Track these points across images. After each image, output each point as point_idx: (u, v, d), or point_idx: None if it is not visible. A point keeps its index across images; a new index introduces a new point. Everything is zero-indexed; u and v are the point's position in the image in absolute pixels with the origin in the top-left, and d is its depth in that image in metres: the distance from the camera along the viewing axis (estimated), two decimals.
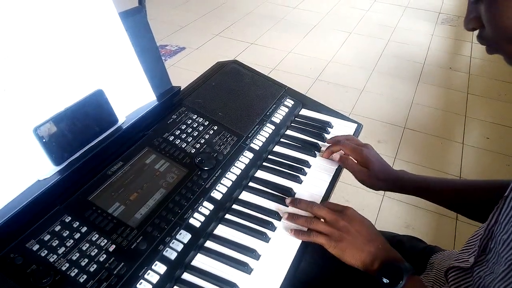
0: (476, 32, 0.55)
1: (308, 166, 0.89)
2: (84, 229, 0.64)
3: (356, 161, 0.89)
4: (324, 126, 1.01)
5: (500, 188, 0.76)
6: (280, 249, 0.72)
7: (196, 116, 0.91)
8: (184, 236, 0.69)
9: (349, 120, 1.05)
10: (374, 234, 0.72)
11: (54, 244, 0.61)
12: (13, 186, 0.66)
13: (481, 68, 3.10)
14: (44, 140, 0.70)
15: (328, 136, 0.99)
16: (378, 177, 0.85)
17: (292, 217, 0.76)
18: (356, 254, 0.69)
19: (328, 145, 0.93)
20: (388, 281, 0.65)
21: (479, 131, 2.44)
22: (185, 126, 0.88)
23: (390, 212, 1.85)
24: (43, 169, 0.70)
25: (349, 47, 3.30)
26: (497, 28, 0.51)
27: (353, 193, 1.88)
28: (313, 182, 0.86)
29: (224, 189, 0.78)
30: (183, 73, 2.77)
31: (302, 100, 1.09)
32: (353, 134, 1.01)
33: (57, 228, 0.63)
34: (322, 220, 0.75)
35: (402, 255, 0.85)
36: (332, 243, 0.70)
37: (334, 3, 4.10)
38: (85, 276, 0.59)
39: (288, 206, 0.79)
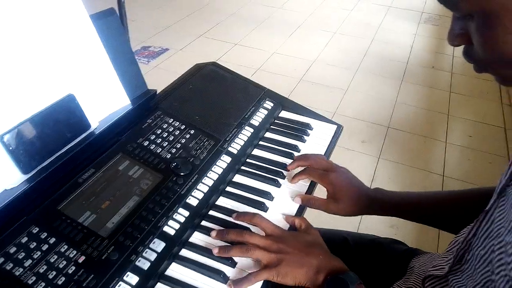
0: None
1: (287, 169, 0.88)
2: (52, 240, 0.62)
3: (318, 197, 0.82)
4: (303, 128, 1.00)
5: (479, 197, 0.75)
6: None
7: (172, 120, 0.89)
8: (158, 245, 0.67)
9: (329, 122, 1.04)
10: (313, 245, 0.68)
11: (20, 257, 0.59)
12: None
13: (464, 67, 3.13)
14: (10, 148, 0.67)
15: (307, 138, 0.98)
16: (349, 204, 0.80)
17: (224, 250, 0.67)
18: (298, 272, 0.64)
19: (295, 164, 0.87)
20: None
21: (462, 129, 2.46)
22: (160, 130, 0.85)
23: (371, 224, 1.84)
24: (10, 178, 0.68)
25: (333, 47, 3.31)
26: (490, 51, 0.45)
27: None
28: (292, 185, 0.85)
29: (200, 195, 0.77)
30: (167, 74, 2.74)
31: (282, 102, 1.07)
32: (333, 136, 1.00)
33: (24, 240, 0.61)
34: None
35: (382, 258, 0.84)
36: (274, 271, 0.64)
37: (319, 3, 4.11)
38: None
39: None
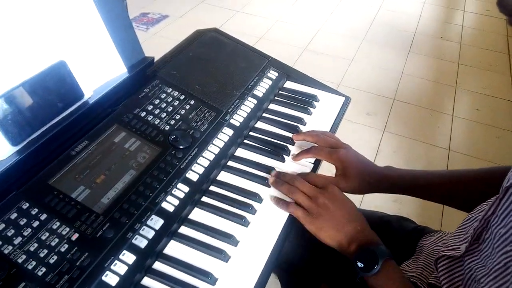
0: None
1: (292, 143, 0.84)
2: (43, 217, 0.58)
3: (328, 176, 0.79)
4: (309, 100, 0.95)
5: (493, 177, 0.71)
6: (261, 234, 0.67)
7: (171, 89, 0.83)
8: (156, 222, 0.63)
9: (336, 93, 0.98)
10: (354, 215, 0.69)
11: (9, 234, 0.55)
12: None
13: (473, 38, 3.03)
14: None
15: (313, 110, 0.93)
16: (359, 181, 0.76)
17: (276, 182, 0.74)
18: (332, 233, 0.66)
19: (301, 137, 0.84)
20: (362, 265, 0.62)
21: (470, 102, 2.40)
22: (158, 100, 0.80)
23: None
24: None
25: (339, 15, 3.19)
26: None
27: None
28: (296, 162, 0.80)
29: (200, 170, 0.73)
30: (166, 42, 2.65)
31: (287, 72, 1.02)
32: (341, 108, 0.95)
33: (13, 216, 0.57)
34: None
35: (390, 237, 0.81)
36: (309, 218, 0.67)
37: None
38: (44, 269, 0.54)
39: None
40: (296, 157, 0.81)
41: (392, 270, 0.63)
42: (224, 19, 3.01)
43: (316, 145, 0.82)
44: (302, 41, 2.82)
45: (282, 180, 0.73)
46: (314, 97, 0.96)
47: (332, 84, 2.37)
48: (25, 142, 0.66)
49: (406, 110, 2.29)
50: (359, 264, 0.62)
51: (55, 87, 0.71)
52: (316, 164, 0.82)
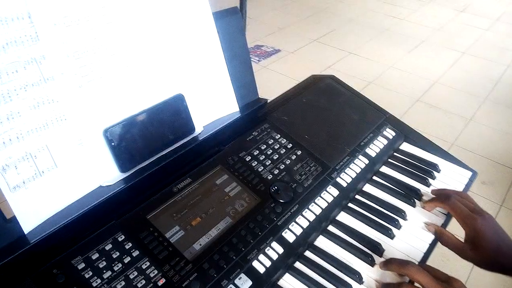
0: None
1: (404, 217, 0.73)
2: (136, 253, 0.57)
3: (454, 236, 0.70)
4: (429, 169, 0.84)
5: None
6: None
7: (279, 136, 0.80)
8: (244, 283, 0.58)
9: (462, 166, 0.86)
10: None
11: (101, 266, 0.55)
12: (75, 188, 0.61)
13: None
14: (113, 144, 0.64)
15: (433, 182, 0.82)
16: (490, 257, 0.65)
17: (380, 280, 0.62)
18: None
19: (432, 196, 0.76)
20: None
21: None
22: (265, 146, 0.77)
23: (482, 281, 1.56)
24: (107, 174, 0.64)
25: (460, 68, 2.96)
26: None
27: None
28: (408, 239, 0.70)
29: (298, 230, 0.66)
30: (275, 76, 2.69)
31: (405, 132, 0.92)
32: (465, 184, 0.82)
33: (108, 246, 0.57)
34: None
35: None
36: None
37: (449, 19, 3.73)
38: None
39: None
40: (428, 203, 0.75)
41: None
42: (335, 59, 2.97)
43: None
44: (415, 91, 2.65)
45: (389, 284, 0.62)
46: (435, 166, 0.84)
47: (444, 143, 2.17)
48: (133, 170, 0.67)
49: None
50: None
51: (170, 119, 0.71)
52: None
